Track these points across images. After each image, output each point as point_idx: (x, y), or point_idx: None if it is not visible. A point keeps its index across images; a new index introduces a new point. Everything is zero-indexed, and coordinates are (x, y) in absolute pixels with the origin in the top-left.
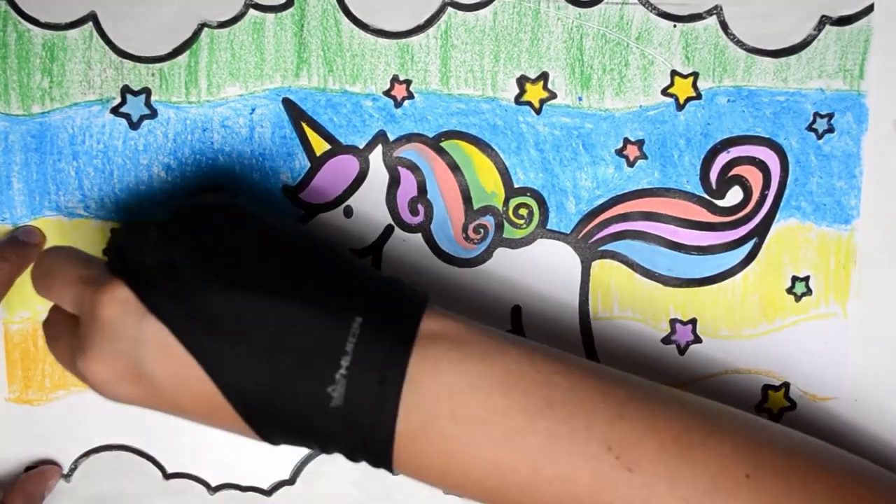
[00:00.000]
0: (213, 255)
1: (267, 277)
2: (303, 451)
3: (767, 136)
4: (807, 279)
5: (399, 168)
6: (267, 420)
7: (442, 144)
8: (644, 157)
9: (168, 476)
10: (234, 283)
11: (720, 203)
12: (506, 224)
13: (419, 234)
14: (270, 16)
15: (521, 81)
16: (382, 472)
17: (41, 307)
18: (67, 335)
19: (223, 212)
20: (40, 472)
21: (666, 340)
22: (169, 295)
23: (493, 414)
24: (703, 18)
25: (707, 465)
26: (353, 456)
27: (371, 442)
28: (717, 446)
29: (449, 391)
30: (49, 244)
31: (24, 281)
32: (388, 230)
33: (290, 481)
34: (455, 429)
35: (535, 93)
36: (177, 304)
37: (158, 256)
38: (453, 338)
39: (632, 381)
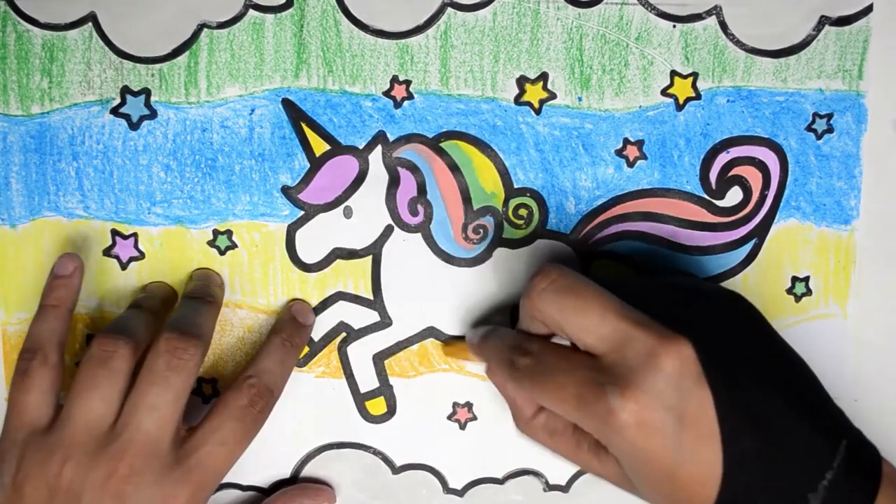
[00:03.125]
0: (745, 346)
1: (780, 379)
2: (303, 451)
3: (767, 136)
4: (807, 279)
5: (399, 168)
6: None
7: (441, 145)
8: (644, 157)
9: None
10: (759, 377)
11: (720, 203)
12: (505, 224)
13: (419, 234)
14: (270, 16)
15: (521, 82)
16: (383, 471)
17: None
18: (583, 365)
19: (750, 307)
20: (317, 490)
21: None
22: (722, 372)
23: None
24: (703, 19)
25: None
26: None
27: None
28: None
29: None
30: (48, 245)
31: (23, 281)
32: (388, 230)
33: (291, 480)
34: None
35: (534, 93)
36: (726, 382)
37: (720, 332)
38: None
39: None
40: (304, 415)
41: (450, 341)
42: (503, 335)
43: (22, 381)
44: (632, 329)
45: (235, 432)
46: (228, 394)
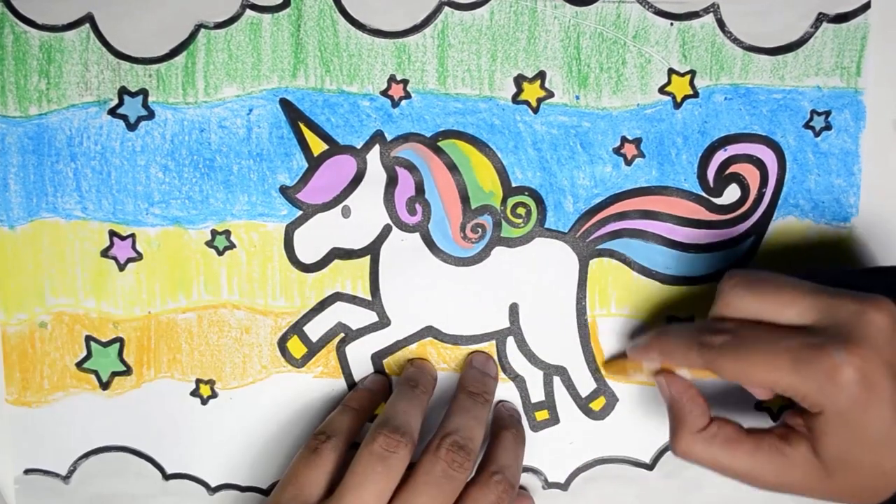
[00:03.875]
0: None
1: None
2: None
3: (764, 133)
4: None
5: (397, 168)
6: None
7: (439, 144)
8: (641, 155)
9: (168, 476)
10: None
11: (718, 201)
12: (503, 223)
13: (417, 234)
14: (267, 16)
15: (519, 80)
16: None
17: (38, 309)
18: (790, 334)
19: None
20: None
21: None
22: None
23: None
24: (700, 16)
25: None
26: None
27: None
28: None
29: None
30: (47, 247)
31: (22, 282)
32: (386, 230)
33: None
34: None
35: (532, 92)
36: None
37: None
38: None
39: None
40: (302, 415)
41: (611, 361)
42: (684, 326)
43: (310, 458)
44: (832, 298)
45: None
46: (474, 490)
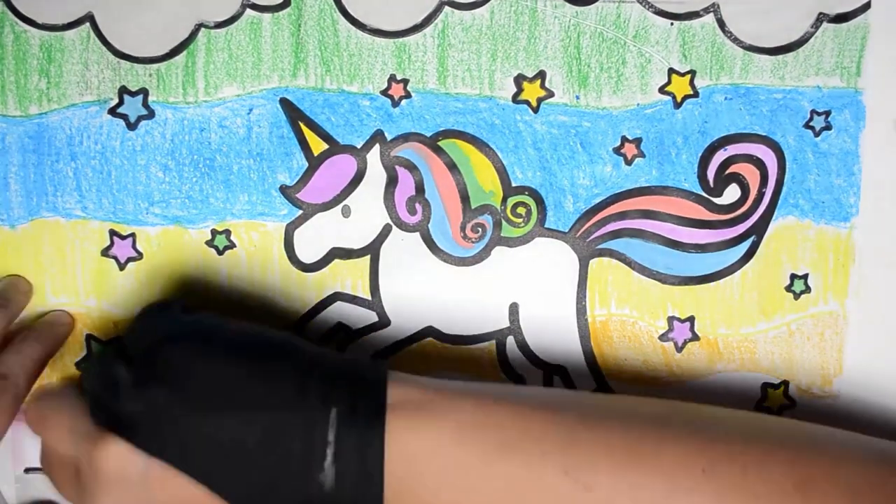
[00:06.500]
0: (188, 385)
1: (244, 393)
2: None
3: (765, 133)
4: (805, 277)
5: (397, 167)
6: None
7: (440, 143)
8: (642, 155)
9: None
10: (216, 407)
11: (718, 201)
12: (504, 223)
13: (417, 234)
14: (267, 16)
15: (519, 80)
16: None
17: (40, 308)
18: (72, 479)
19: (185, 340)
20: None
21: (664, 338)
22: (162, 435)
23: (456, 468)
24: (700, 16)
25: (662, 470)
26: None
27: None
28: (671, 450)
29: (416, 455)
30: (47, 246)
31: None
32: (386, 229)
33: None
34: (427, 489)
35: (532, 91)
36: (171, 441)
37: (140, 401)
38: (414, 403)
39: (584, 402)
40: None
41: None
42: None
43: None
44: (76, 443)
45: None
46: None
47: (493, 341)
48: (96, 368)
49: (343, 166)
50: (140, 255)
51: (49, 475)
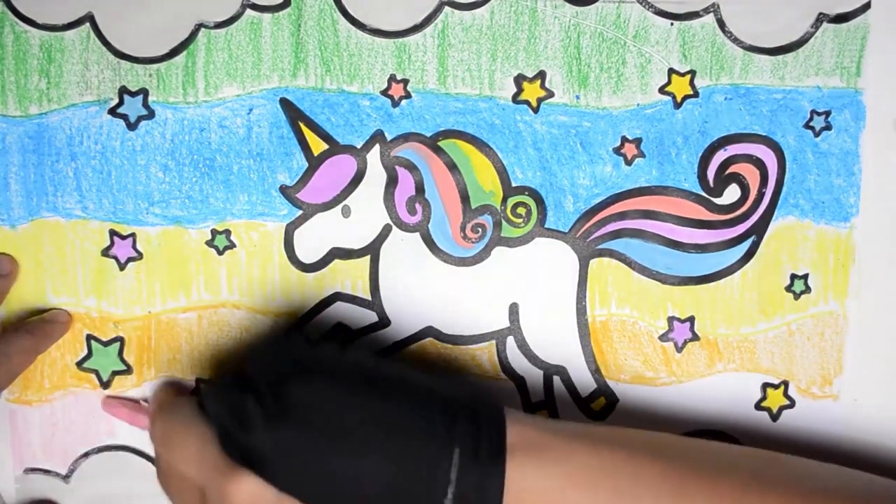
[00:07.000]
0: (318, 422)
1: (372, 431)
2: None
3: (765, 133)
4: (805, 277)
5: (397, 167)
6: None
7: (440, 144)
8: (642, 155)
9: None
10: (344, 445)
11: (718, 201)
12: (504, 223)
13: (417, 234)
14: (267, 16)
15: (519, 80)
16: None
17: (40, 308)
18: (195, 502)
19: (312, 375)
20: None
21: (664, 338)
22: (292, 472)
23: None
24: (701, 16)
25: None
26: None
27: None
28: (774, 501)
29: (532, 496)
30: (47, 246)
31: (23, 281)
32: (386, 229)
33: None
34: None
35: (532, 91)
36: (301, 477)
37: (271, 437)
38: (532, 445)
39: (691, 451)
40: None
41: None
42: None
43: None
44: (207, 475)
45: None
46: None
47: (493, 341)
48: (223, 399)
49: (343, 166)
50: (140, 255)
51: (167, 492)
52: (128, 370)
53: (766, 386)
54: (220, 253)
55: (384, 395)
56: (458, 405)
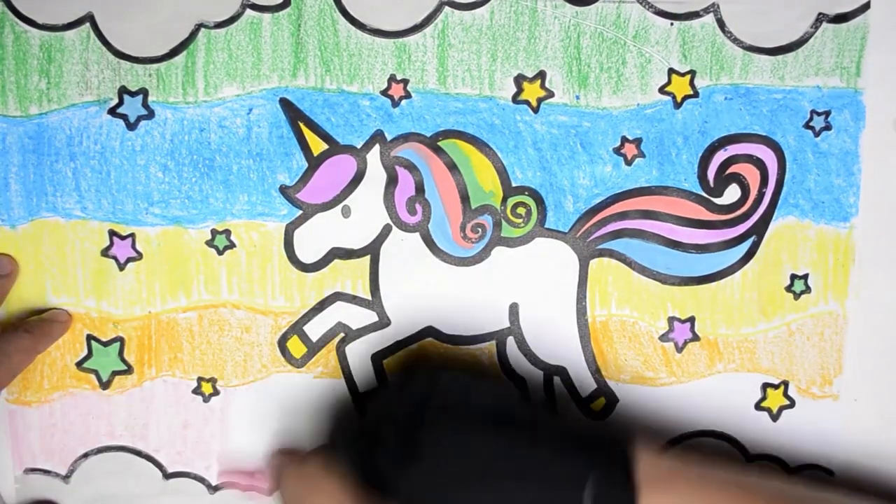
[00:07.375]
0: (449, 466)
1: (506, 476)
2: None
3: (765, 133)
4: (805, 277)
5: (397, 167)
6: None
7: (440, 144)
8: (642, 155)
9: (168, 476)
10: (483, 486)
11: (718, 201)
12: (504, 223)
13: (417, 234)
14: (267, 16)
15: (519, 80)
16: None
17: (40, 308)
18: None
19: (441, 421)
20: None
21: (664, 338)
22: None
23: None
24: (700, 16)
25: None
26: None
27: None
28: None
29: None
30: (47, 246)
31: (23, 281)
32: (386, 229)
33: None
34: None
35: (532, 91)
36: None
37: (406, 482)
38: (661, 484)
39: (806, 498)
40: (302, 415)
41: None
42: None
43: None
44: None
45: None
46: None
47: (493, 341)
48: (354, 450)
49: (343, 166)
50: (140, 255)
51: None
52: (128, 370)
53: (766, 386)
54: (220, 253)
55: (514, 438)
56: (586, 443)
